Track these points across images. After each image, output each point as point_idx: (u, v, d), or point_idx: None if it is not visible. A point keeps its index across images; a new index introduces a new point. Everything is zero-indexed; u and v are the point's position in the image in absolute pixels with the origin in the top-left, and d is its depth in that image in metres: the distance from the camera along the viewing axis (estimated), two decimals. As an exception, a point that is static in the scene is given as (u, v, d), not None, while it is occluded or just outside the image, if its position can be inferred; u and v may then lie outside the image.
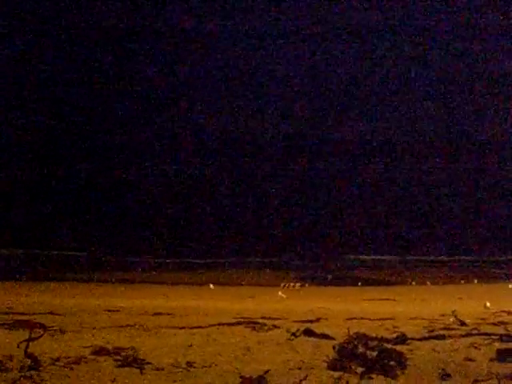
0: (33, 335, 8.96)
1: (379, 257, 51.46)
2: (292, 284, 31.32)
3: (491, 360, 8.56)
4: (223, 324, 12.43)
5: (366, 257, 51.79)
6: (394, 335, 10.47)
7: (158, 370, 8.00)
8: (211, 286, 29.49)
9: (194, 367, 8.18)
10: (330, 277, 39.74)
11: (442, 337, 10.64)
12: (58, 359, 8.31)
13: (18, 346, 8.73)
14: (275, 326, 12.03)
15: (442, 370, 7.96)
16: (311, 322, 13.05)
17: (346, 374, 7.66)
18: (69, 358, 8.44)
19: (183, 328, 11.97)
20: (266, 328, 11.88)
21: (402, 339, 10.08)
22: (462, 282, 34.53)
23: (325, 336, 10.51)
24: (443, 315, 14.32)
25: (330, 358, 8.40)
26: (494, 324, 12.75)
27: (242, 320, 13.03)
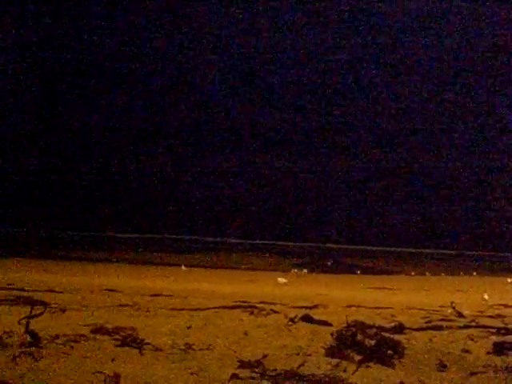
0: (33, 312, 9.01)
1: (379, 248, 51.53)
2: (298, 270, 31.32)
3: (488, 352, 8.60)
4: (222, 307, 12.48)
5: (365, 247, 51.86)
6: (392, 324, 10.50)
7: (156, 350, 8.06)
8: (183, 267, 29.44)
9: (193, 349, 8.23)
10: (329, 263, 39.86)
11: (440, 328, 10.66)
12: (57, 337, 8.36)
13: (19, 323, 8.79)
14: (274, 311, 12.07)
15: (439, 360, 8.01)
16: (310, 308, 13.11)
17: (343, 362, 7.70)
18: (68, 335, 8.49)
19: (182, 310, 12.03)
20: (264, 313, 11.91)
21: (400, 328, 10.12)
22: (461, 274, 34.61)
23: (323, 323, 10.54)
24: (441, 306, 14.38)
25: (328, 345, 8.44)
26: (492, 317, 12.79)
27: (241, 304, 13.08)
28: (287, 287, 20.84)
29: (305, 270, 31.54)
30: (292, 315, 11.01)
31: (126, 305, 12.57)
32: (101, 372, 6.92)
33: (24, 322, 8.61)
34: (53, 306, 11.34)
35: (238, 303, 13.25)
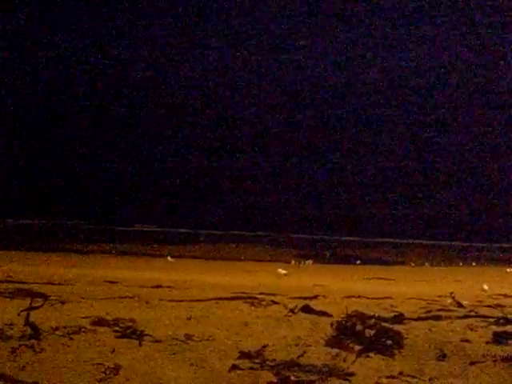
0: (33, 304, 9.02)
1: (379, 239, 51.58)
2: (301, 261, 31.16)
3: (487, 342, 8.62)
4: (222, 298, 12.48)
5: (365, 238, 51.88)
6: (392, 314, 10.51)
7: (156, 341, 8.06)
8: (169, 258, 29.37)
9: (193, 340, 8.23)
10: (328, 254, 39.83)
11: (439, 318, 10.68)
12: (57, 329, 8.35)
13: (19, 315, 8.80)
14: (274, 302, 12.08)
15: (439, 350, 8.02)
16: (309, 298, 13.12)
17: (343, 352, 7.72)
18: (68, 327, 8.48)
19: (182, 301, 12.03)
20: (264, 303, 11.92)
21: (399, 319, 10.13)
22: (460, 264, 34.65)
23: (323, 313, 10.55)
24: (441, 296, 14.39)
25: (328, 336, 8.46)
26: (491, 307, 12.80)
27: (241, 295, 13.09)
28: (287, 278, 20.87)
29: (309, 261, 31.27)
30: (292, 306, 11.02)
31: (126, 296, 12.57)
32: (101, 364, 6.93)
33: (24, 314, 8.62)
34: (53, 298, 11.33)
35: (237, 294, 13.26)
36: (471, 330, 9.58)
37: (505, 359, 7.66)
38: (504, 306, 12.67)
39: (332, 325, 8.88)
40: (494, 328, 9.57)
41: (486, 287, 17.14)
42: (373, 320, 9.39)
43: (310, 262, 31.16)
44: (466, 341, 8.66)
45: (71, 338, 7.95)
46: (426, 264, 34.34)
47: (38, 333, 7.95)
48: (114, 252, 34.64)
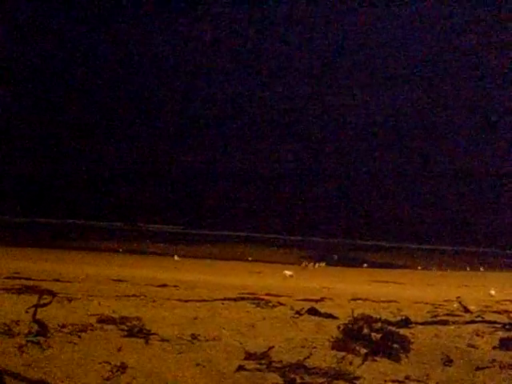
0: (41, 301, 9.06)
1: (386, 243, 51.48)
2: (311, 263, 31.04)
3: (494, 348, 8.59)
4: (228, 299, 12.49)
5: (372, 241, 51.82)
6: (398, 318, 10.49)
7: (163, 341, 8.07)
8: (176, 257, 29.48)
9: (199, 340, 8.25)
10: (335, 257, 39.76)
11: (446, 322, 10.65)
12: (64, 326, 8.38)
13: (26, 312, 8.83)
14: (280, 304, 12.08)
15: (445, 355, 8.00)
16: (316, 301, 13.11)
17: (349, 355, 7.71)
18: (75, 325, 8.51)
19: (188, 301, 12.04)
20: (270, 305, 11.92)
21: (406, 322, 10.11)
22: (468, 269, 34.52)
23: (329, 316, 10.54)
24: (447, 301, 14.35)
25: (334, 338, 8.45)
26: (498, 312, 12.76)
27: (248, 296, 13.09)
28: (293, 280, 20.86)
29: (322, 263, 31.06)
30: (298, 308, 11.02)
31: (133, 295, 12.60)
32: (107, 362, 6.95)
33: (31, 311, 8.65)
34: (60, 295, 11.37)
35: (244, 295, 13.26)
36: (478, 335, 9.55)
37: (511, 365, 7.63)
38: (511, 312, 12.63)
39: (338, 327, 8.88)
40: (501, 334, 9.54)
41: (493, 292, 17.08)
42: (379, 323, 9.38)
43: (322, 264, 31.02)
44: (473, 346, 8.64)
45: (78, 336, 7.98)
46: (434, 268, 34.25)
47: (45, 330, 7.98)
48: (121, 250, 34.73)
